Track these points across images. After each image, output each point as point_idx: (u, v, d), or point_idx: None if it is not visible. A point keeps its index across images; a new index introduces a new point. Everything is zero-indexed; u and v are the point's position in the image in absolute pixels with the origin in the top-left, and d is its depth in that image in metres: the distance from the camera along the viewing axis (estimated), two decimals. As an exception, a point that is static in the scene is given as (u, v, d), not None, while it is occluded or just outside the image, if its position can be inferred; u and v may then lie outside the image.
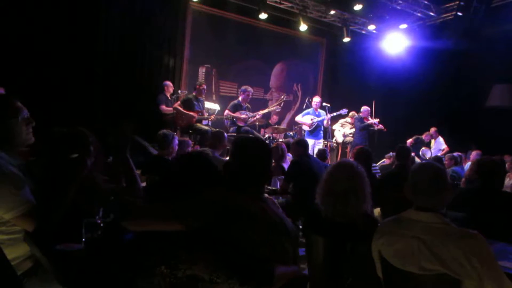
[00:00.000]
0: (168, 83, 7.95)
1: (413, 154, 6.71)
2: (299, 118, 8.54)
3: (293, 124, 9.90)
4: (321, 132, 8.60)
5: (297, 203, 4.52)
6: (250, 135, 6.95)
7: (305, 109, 8.91)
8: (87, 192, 2.17)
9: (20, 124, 2.07)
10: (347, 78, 10.96)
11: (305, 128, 8.45)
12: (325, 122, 8.54)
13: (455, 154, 7.12)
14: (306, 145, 4.96)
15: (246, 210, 1.57)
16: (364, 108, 9.04)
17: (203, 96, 7.44)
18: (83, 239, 1.83)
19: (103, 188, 2.24)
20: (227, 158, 2.02)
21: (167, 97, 7.73)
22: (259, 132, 8.35)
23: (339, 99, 10.41)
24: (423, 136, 9.76)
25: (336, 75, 11.25)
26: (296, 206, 4.49)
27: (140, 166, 4.07)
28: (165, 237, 1.42)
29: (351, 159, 5.41)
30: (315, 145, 8.34)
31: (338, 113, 8.83)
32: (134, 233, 1.45)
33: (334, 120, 9.25)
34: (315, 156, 6.33)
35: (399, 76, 10.41)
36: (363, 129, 8.92)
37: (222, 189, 1.69)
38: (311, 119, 8.36)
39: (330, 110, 8.64)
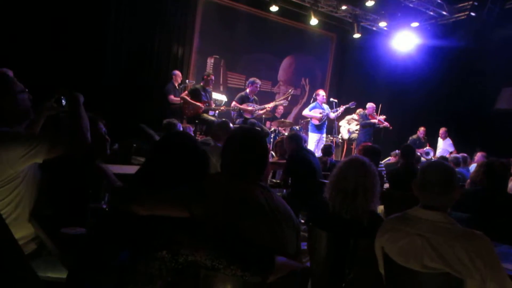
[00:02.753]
0: (177, 72, 7.95)
1: (418, 153, 6.68)
2: (307, 112, 8.49)
3: (299, 118, 9.88)
4: (325, 127, 8.57)
5: (295, 196, 4.52)
6: (249, 127, 6.97)
7: (312, 102, 8.87)
8: (93, 177, 2.18)
9: (17, 98, 2.07)
10: (355, 74, 10.91)
11: (315, 122, 8.41)
12: (332, 114, 8.50)
13: (459, 155, 7.08)
14: (298, 139, 4.94)
15: (251, 198, 1.56)
16: (370, 105, 9.00)
17: (211, 86, 7.43)
18: (87, 224, 1.84)
19: (109, 174, 2.24)
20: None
21: (175, 87, 7.73)
22: (265, 125, 8.34)
23: (346, 95, 10.36)
24: (418, 134, 9.75)
25: (344, 71, 11.21)
26: (294, 199, 4.49)
27: (146, 153, 4.07)
28: (167, 221, 1.42)
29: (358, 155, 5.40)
30: (321, 140, 8.31)
31: (346, 106, 8.78)
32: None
33: (342, 114, 9.21)
34: (320, 151, 6.33)
35: (408, 75, 10.34)
36: (364, 126, 8.90)
37: (224, 176, 1.68)
38: (320, 113, 8.32)
39: (337, 106, 8.60)
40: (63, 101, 2.21)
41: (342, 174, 2.27)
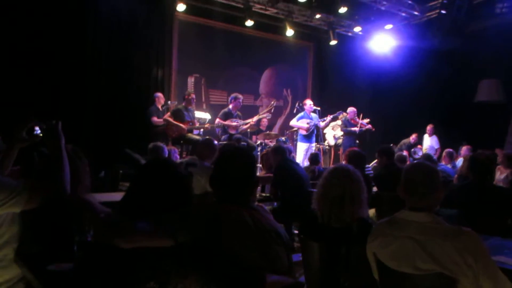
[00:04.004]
0: (159, 94, 7.94)
1: (405, 153, 6.73)
2: (294, 123, 8.53)
3: (284, 129, 9.91)
4: (315, 135, 8.61)
5: (285, 208, 4.52)
6: (238, 143, 6.96)
7: (296, 113, 8.91)
8: (78, 210, 2.15)
9: None
10: (336, 80, 11.01)
11: (302, 132, 8.45)
12: (322, 123, 8.58)
13: (450, 150, 7.18)
14: (282, 150, 4.94)
15: (237, 220, 1.56)
16: (350, 109, 9.07)
17: (193, 105, 7.43)
18: (74, 258, 1.81)
19: (94, 205, 2.21)
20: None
21: (158, 109, 7.71)
22: (250, 139, 8.34)
23: (329, 102, 10.45)
24: (411, 139, 9.83)
25: (325, 78, 11.30)
26: (285, 211, 4.48)
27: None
28: (152, 252, 1.40)
29: (344, 162, 5.43)
30: (309, 149, 8.34)
31: (334, 115, 8.91)
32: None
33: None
34: (308, 160, 6.34)
35: (388, 76, 10.46)
36: (346, 133, 8.97)
37: (210, 200, 1.68)
38: (307, 123, 8.36)
39: (321, 114, 8.66)
40: (36, 131, 2.00)
41: (327, 184, 2.28)
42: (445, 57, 9.79)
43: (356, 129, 8.80)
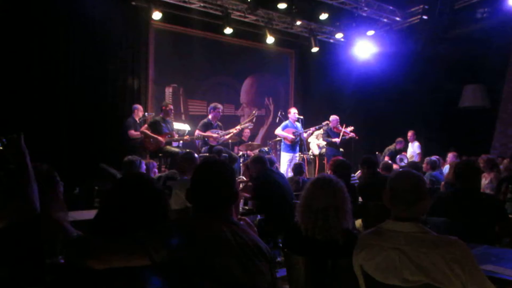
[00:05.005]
0: (138, 106, 7.91)
1: (390, 161, 6.80)
2: (279, 132, 8.55)
3: (267, 139, 9.93)
4: (298, 145, 8.65)
5: (269, 221, 4.50)
6: (219, 155, 6.95)
7: (278, 122, 8.94)
8: (49, 230, 2.10)
9: None
10: (318, 88, 11.11)
11: (286, 142, 8.47)
12: (305, 134, 8.66)
13: (433, 157, 7.24)
14: (263, 160, 4.91)
15: (216, 235, 1.55)
16: (333, 117, 9.13)
17: (171, 117, 7.40)
18: (45, 282, 1.77)
19: (65, 225, 2.16)
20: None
21: (136, 121, 7.65)
22: (232, 150, 8.32)
23: (312, 110, 10.51)
24: (396, 145, 9.95)
25: (307, 86, 11.40)
26: (269, 223, 4.46)
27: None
28: (127, 272, 1.37)
29: (328, 172, 5.46)
30: (293, 159, 8.36)
31: (319, 126, 8.98)
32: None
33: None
34: (291, 170, 6.36)
35: (371, 83, 10.63)
36: (328, 144, 9.03)
37: (188, 215, 1.67)
38: (293, 133, 8.40)
39: (304, 122, 8.70)
40: None
41: (310, 195, 2.29)
42: (428, 62, 10.01)
43: (337, 140, 8.84)
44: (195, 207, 1.73)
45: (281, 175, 5.05)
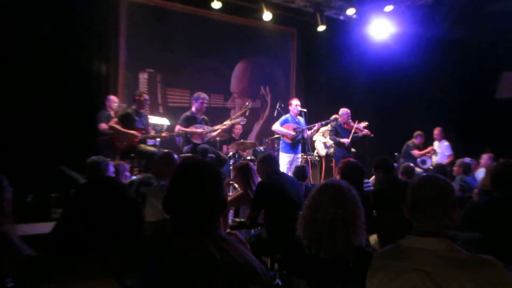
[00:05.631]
0: (111, 97, 7.93)
1: (411, 164, 6.80)
2: (277, 128, 8.50)
3: (263, 136, 9.91)
4: (301, 144, 8.63)
5: (272, 237, 4.49)
6: (203, 156, 6.94)
7: (277, 116, 8.93)
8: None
9: None
10: (325, 75, 11.13)
11: (286, 140, 8.44)
12: (309, 131, 8.63)
13: (467, 159, 7.22)
14: (272, 161, 4.92)
15: (200, 254, 1.53)
16: (343, 111, 9.08)
17: (146, 108, 7.38)
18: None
19: (15, 242, 2.15)
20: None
21: (109, 115, 7.66)
22: (221, 150, 8.30)
23: (317, 102, 10.53)
24: (414, 140, 9.99)
25: (312, 73, 11.39)
26: (272, 240, 4.45)
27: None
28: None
29: (337, 177, 5.44)
30: (294, 161, 8.35)
31: (326, 122, 8.96)
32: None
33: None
34: (292, 175, 6.34)
35: (389, 69, 10.60)
36: (337, 144, 8.98)
37: (167, 229, 1.66)
38: (294, 129, 8.38)
39: (307, 117, 8.69)
40: None
41: (315, 205, 2.28)
42: (457, 45, 10.00)
43: (346, 140, 8.83)
44: (174, 220, 1.73)
45: (289, 179, 5.04)
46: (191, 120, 7.47)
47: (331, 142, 9.45)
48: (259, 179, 5.10)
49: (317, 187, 2.37)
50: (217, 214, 1.74)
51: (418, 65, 10.16)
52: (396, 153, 10.14)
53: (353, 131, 8.87)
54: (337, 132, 9.02)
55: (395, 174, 5.40)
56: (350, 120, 9.04)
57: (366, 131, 8.94)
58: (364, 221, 2.28)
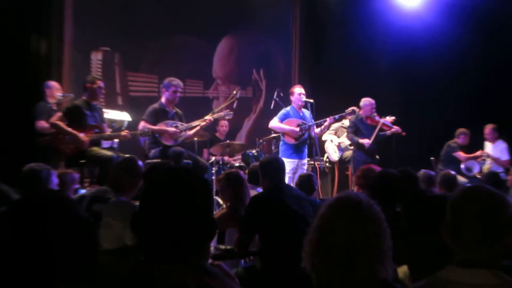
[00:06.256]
0: (52, 84, 7.81)
1: (452, 172, 6.82)
2: (275, 124, 8.43)
3: (255, 136, 9.90)
4: (307, 146, 8.60)
5: (269, 269, 4.48)
6: (177, 162, 6.92)
7: (274, 108, 8.90)
8: None
9: None
10: (338, 55, 11.11)
11: (288, 140, 8.39)
12: (317, 130, 8.49)
13: None
14: (276, 167, 4.95)
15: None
16: (366, 101, 8.99)
17: (101, 100, 7.36)
18: None
19: None
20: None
21: (50, 107, 7.59)
22: (200, 154, 8.30)
23: (328, 89, 10.51)
24: (457, 140, 9.98)
25: (320, 52, 11.38)
26: (268, 274, 4.45)
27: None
28: None
29: (355, 189, 5.44)
30: (298, 169, 8.31)
31: (340, 115, 8.87)
32: None
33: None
34: (295, 185, 6.34)
35: (421, 47, 10.62)
36: (357, 145, 8.89)
37: (129, 259, 1.66)
38: (298, 125, 8.34)
39: (315, 110, 8.63)
40: None
41: (325, 227, 2.26)
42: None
43: (366, 141, 8.76)
44: (144, 247, 1.72)
45: (297, 195, 5.03)
46: (160, 115, 7.45)
47: (347, 143, 9.44)
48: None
49: (328, 203, 2.37)
50: (204, 240, 1.74)
51: (460, 42, 10.17)
52: (432, 158, 10.13)
53: (378, 127, 8.85)
54: (356, 129, 8.95)
55: (431, 186, 5.40)
56: (375, 114, 8.99)
57: (396, 128, 8.87)
58: (390, 247, 2.27)
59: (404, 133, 8.93)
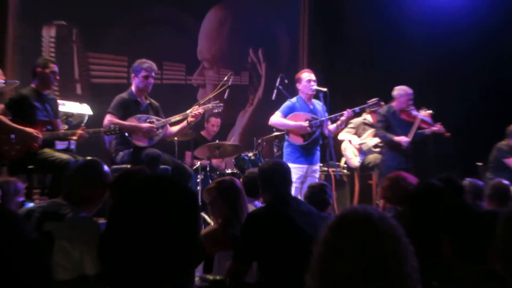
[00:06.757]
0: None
1: (505, 182, 6.82)
2: (277, 120, 8.40)
3: (253, 135, 9.90)
4: (319, 148, 8.58)
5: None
6: (151, 168, 6.90)
7: (277, 99, 8.91)
8: None
9: None
10: (358, 30, 11.14)
11: (295, 140, 8.37)
12: (331, 126, 8.44)
13: None
14: (280, 175, 4.93)
15: None
16: (400, 90, 8.98)
17: (54, 88, 7.36)
18: None
19: None
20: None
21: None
22: (181, 158, 8.30)
23: (345, 75, 10.54)
24: (509, 141, 9.99)
25: (335, 26, 11.41)
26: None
27: None
28: None
29: (380, 203, 5.44)
30: (308, 176, 8.31)
31: (361, 107, 8.72)
32: None
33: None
34: (304, 199, 6.35)
35: (464, 24, 10.65)
36: (390, 147, 8.83)
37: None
38: (307, 120, 8.32)
39: (329, 100, 8.63)
40: None
41: (330, 253, 2.25)
42: None
43: (404, 139, 8.77)
44: (110, 277, 1.71)
45: (307, 211, 5.02)
46: (130, 107, 7.45)
47: (371, 144, 9.43)
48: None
49: (329, 224, 2.35)
50: (187, 268, 1.73)
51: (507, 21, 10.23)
52: (478, 163, 10.14)
53: (416, 124, 8.85)
54: (388, 124, 8.96)
55: (478, 199, 5.40)
56: (412, 108, 8.97)
57: (438, 127, 8.84)
58: (416, 268, 2.25)
59: (448, 134, 8.91)
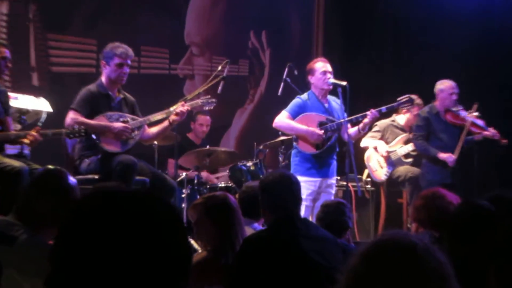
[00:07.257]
0: None
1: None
2: (284, 121, 8.42)
3: (253, 139, 9.93)
4: (335, 157, 8.59)
5: None
6: (126, 180, 6.93)
7: (283, 95, 8.95)
8: None
9: None
10: (386, 10, 11.19)
11: (306, 148, 8.38)
12: (351, 130, 8.41)
13: None
14: (286, 190, 4.93)
15: None
16: (443, 86, 9.01)
17: (5, 78, 7.40)
18: None
19: None
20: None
21: None
22: (163, 167, 8.33)
23: (369, 66, 10.59)
24: None
25: (357, 9, 11.47)
26: None
27: None
28: None
29: (412, 226, 5.48)
30: (321, 194, 8.34)
31: (389, 106, 8.63)
32: None
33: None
34: (316, 221, 6.39)
35: None
36: (430, 160, 8.79)
37: None
38: (321, 122, 8.32)
39: (348, 98, 8.64)
40: None
41: (362, 281, 2.28)
42: None
43: (452, 158, 8.64)
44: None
45: (318, 235, 5.04)
46: (98, 103, 7.47)
47: (402, 152, 9.43)
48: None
49: (361, 251, 2.37)
50: None
51: None
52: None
53: (466, 129, 8.85)
54: (429, 130, 9.00)
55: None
56: (460, 107, 8.94)
57: (491, 132, 8.81)
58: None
59: (505, 140, 8.86)
